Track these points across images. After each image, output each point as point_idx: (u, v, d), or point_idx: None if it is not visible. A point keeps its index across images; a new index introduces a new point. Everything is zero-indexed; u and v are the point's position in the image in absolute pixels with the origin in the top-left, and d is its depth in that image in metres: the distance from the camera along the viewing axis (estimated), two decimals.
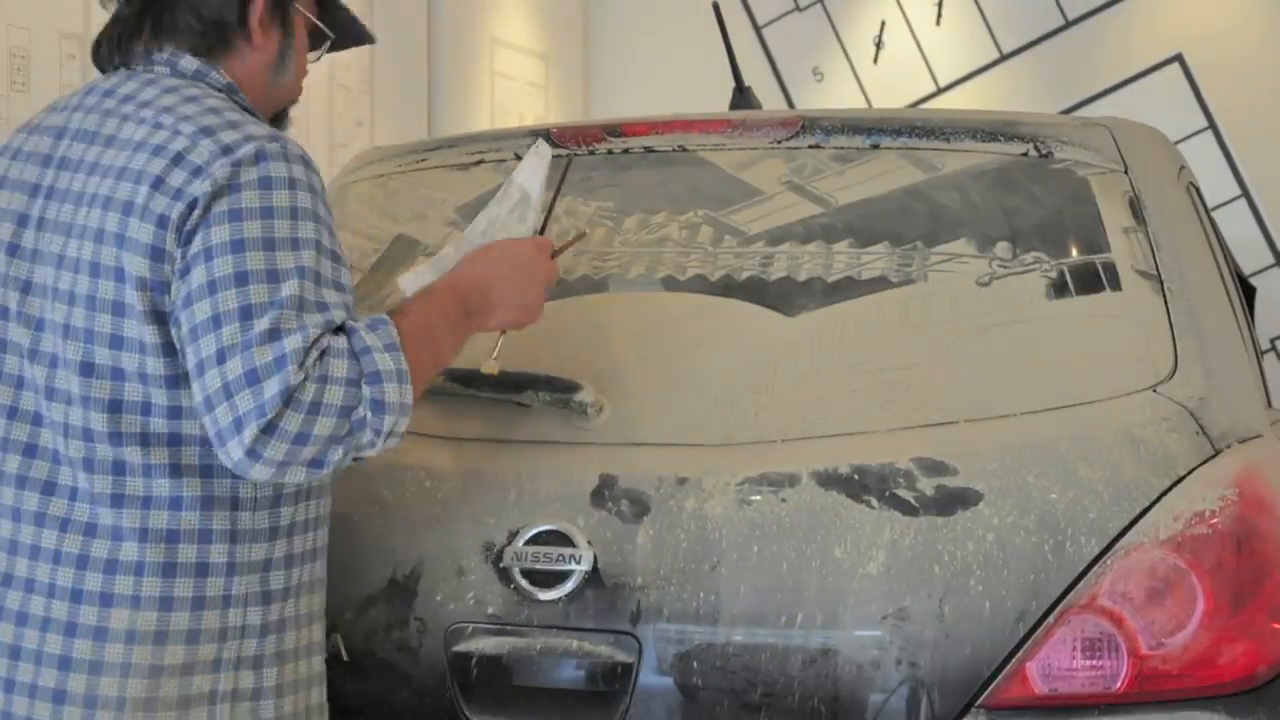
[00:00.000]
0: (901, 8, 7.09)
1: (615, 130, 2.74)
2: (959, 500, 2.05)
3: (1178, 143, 3.08)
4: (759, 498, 2.09)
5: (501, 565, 2.13)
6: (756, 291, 2.41)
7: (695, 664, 2.05)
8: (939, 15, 7.06)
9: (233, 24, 1.98)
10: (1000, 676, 1.98)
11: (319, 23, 2.10)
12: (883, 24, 7.13)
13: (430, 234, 2.69)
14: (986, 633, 1.98)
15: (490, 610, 2.13)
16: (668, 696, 2.05)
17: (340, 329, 1.81)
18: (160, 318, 1.80)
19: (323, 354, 1.76)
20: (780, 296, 2.39)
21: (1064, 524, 2.02)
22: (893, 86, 7.04)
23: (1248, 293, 3.46)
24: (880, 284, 2.38)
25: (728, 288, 2.43)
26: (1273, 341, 6.50)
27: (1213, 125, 6.61)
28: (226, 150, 1.81)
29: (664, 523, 2.10)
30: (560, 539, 2.12)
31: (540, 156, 2.21)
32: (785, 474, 2.11)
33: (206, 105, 1.88)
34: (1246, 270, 5.73)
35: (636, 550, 2.09)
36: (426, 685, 2.14)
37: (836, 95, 7.09)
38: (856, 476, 2.09)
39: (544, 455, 2.23)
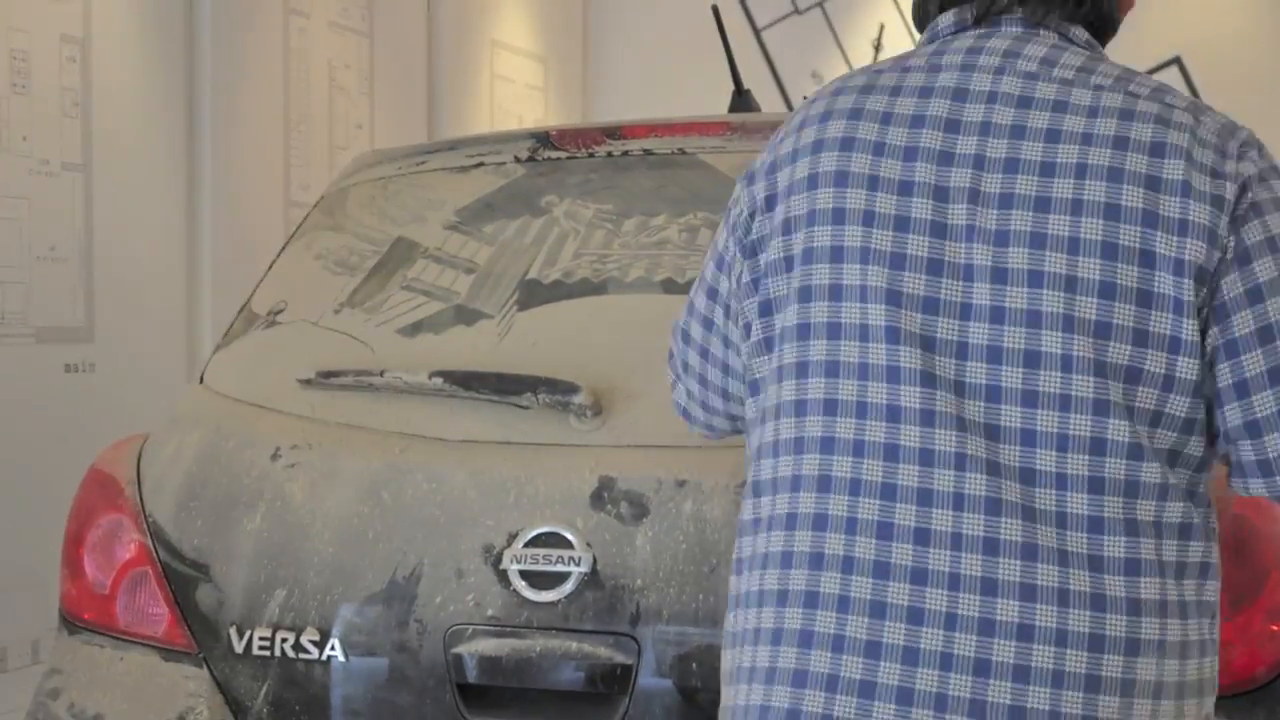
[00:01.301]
0: (900, 10, 7.10)
1: (614, 133, 2.74)
2: None
3: None
4: None
5: (501, 567, 2.13)
6: None
7: (694, 665, 2.05)
8: None
9: (1110, 19, 1.77)
10: None
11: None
12: (881, 27, 7.15)
13: (430, 237, 2.69)
14: None
15: (490, 612, 2.13)
16: (667, 698, 2.06)
17: None
18: (1196, 311, 1.50)
19: None
20: None
21: None
22: None
23: None
24: None
25: None
26: None
27: None
28: (1232, 132, 1.56)
29: (663, 524, 2.10)
30: (559, 541, 2.13)
31: None
32: None
33: (1153, 79, 1.64)
34: None
35: (635, 552, 2.10)
36: (426, 686, 2.14)
37: None
38: None
39: (543, 457, 2.23)
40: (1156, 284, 1.50)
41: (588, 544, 2.11)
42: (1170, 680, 1.48)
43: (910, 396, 1.52)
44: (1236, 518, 2.02)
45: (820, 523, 1.53)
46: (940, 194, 1.55)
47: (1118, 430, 1.48)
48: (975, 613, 1.47)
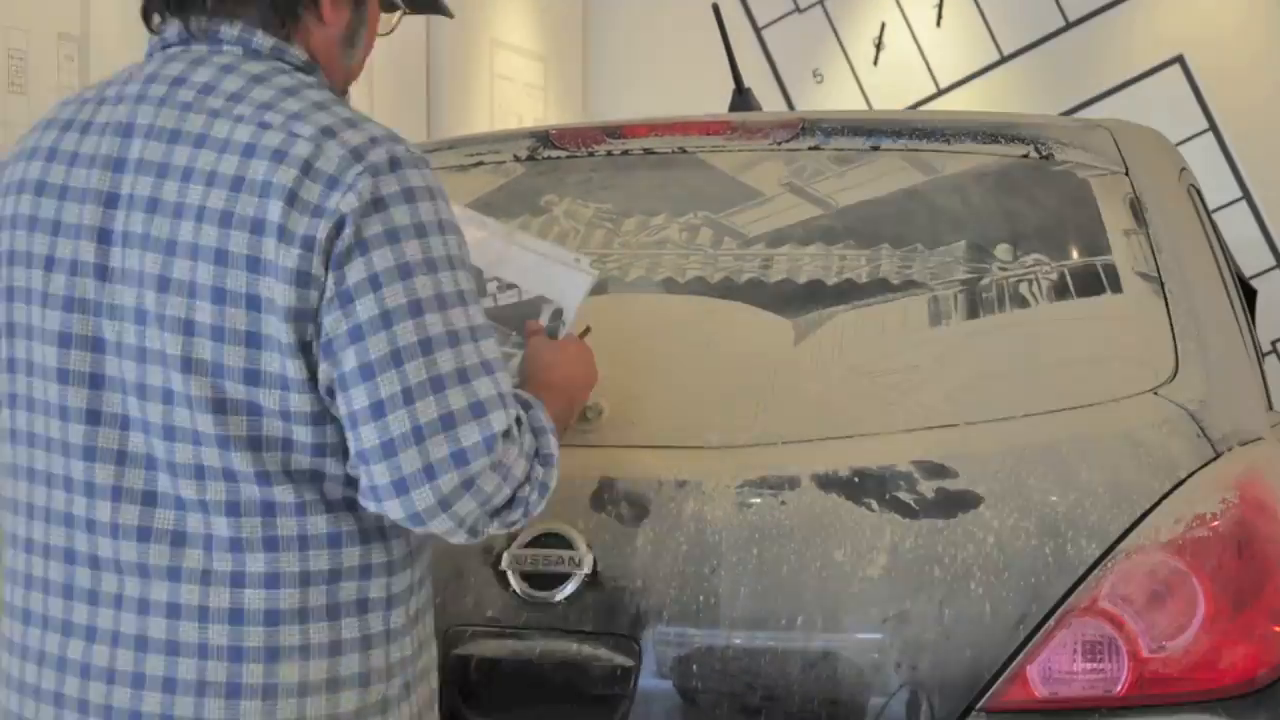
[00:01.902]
0: (902, 9, 7.09)
1: (615, 132, 2.73)
2: (959, 503, 2.05)
3: (1179, 144, 3.08)
4: (759, 500, 2.09)
5: (500, 568, 2.13)
6: (756, 293, 2.41)
7: (695, 667, 2.04)
8: (939, 17, 7.06)
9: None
10: (1000, 679, 1.97)
11: None
12: (883, 25, 7.13)
13: None
14: (987, 635, 1.98)
15: (489, 613, 2.12)
16: (668, 700, 2.05)
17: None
18: (305, 349, 1.61)
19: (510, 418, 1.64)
20: (780, 298, 2.39)
21: (1064, 527, 2.01)
22: (893, 88, 7.04)
23: (1248, 295, 3.46)
24: (880, 286, 2.38)
25: (727, 290, 2.42)
26: (1273, 344, 6.50)
27: (1214, 127, 6.61)
28: (357, 155, 1.62)
29: (664, 525, 2.10)
30: (560, 541, 2.12)
31: (588, 277, 2.16)
32: (785, 476, 2.11)
33: (309, 99, 1.67)
34: (1247, 272, 5.73)
35: (636, 553, 2.09)
36: None
37: (836, 97, 7.10)
38: (856, 479, 2.09)
39: None
40: (264, 327, 1.59)
41: (588, 545, 2.11)
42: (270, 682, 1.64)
43: (76, 433, 1.66)
44: (1239, 518, 2.01)
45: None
46: (104, 236, 1.65)
47: (243, 460, 1.62)
48: (109, 626, 1.67)
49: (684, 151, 2.69)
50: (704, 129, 2.71)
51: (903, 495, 2.06)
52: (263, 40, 1.72)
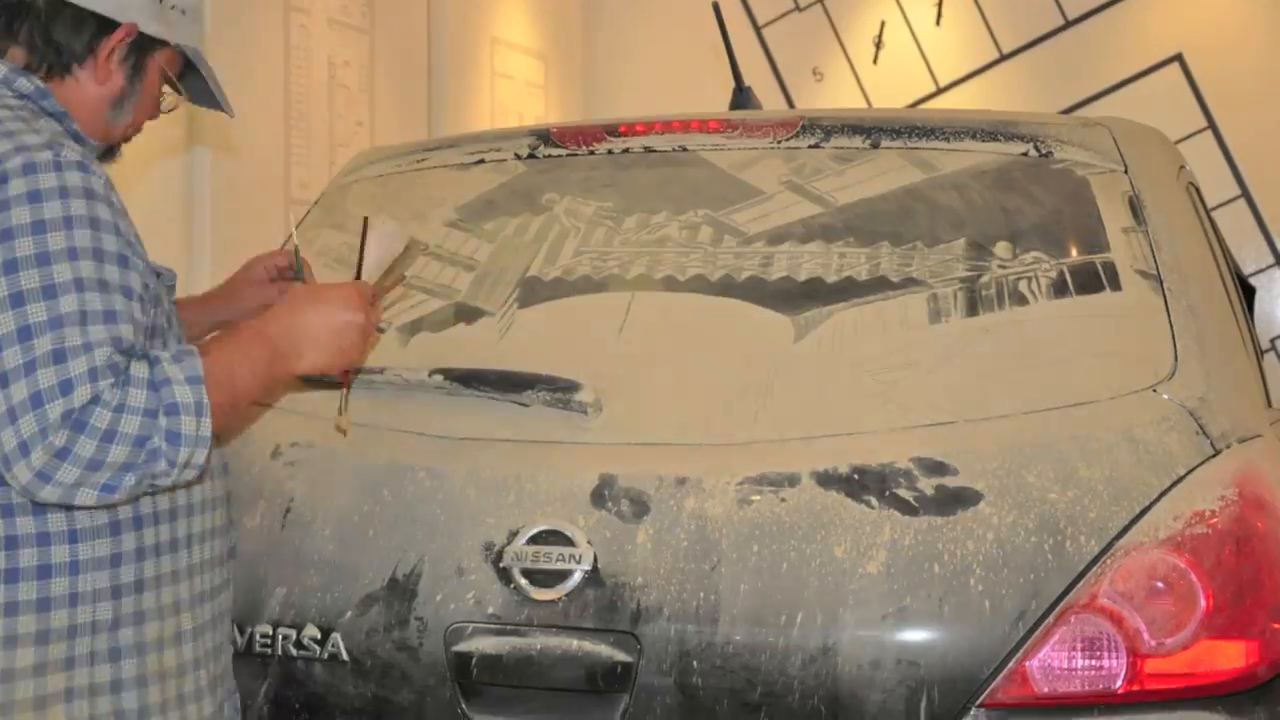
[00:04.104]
0: (901, 8, 7.09)
1: (615, 130, 2.74)
2: (959, 500, 2.05)
3: (1177, 142, 3.08)
4: (759, 497, 2.09)
5: (501, 565, 2.13)
6: (756, 291, 2.41)
7: (695, 663, 2.04)
8: (939, 15, 7.06)
9: (78, 50, 1.99)
10: (1000, 676, 1.98)
11: (174, 80, 2.11)
12: (882, 24, 7.14)
13: (430, 234, 2.69)
14: (986, 632, 1.98)
15: (490, 610, 2.13)
16: (668, 696, 2.05)
17: (144, 357, 1.81)
18: None
19: (123, 382, 1.76)
20: (780, 296, 2.39)
21: (1064, 524, 2.02)
22: (892, 86, 7.04)
23: (1247, 292, 3.46)
24: (880, 284, 2.38)
25: (727, 288, 2.43)
26: (1273, 341, 6.50)
27: (1212, 125, 6.61)
28: None
29: (664, 522, 2.10)
30: (560, 539, 2.12)
31: (390, 233, 2.22)
32: (785, 474, 2.11)
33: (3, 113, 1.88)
34: (1246, 270, 5.74)
35: (636, 550, 2.09)
36: (427, 685, 2.14)
37: (836, 95, 7.10)
38: (856, 476, 2.09)
39: (544, 455, 2.23)
40: None
41: (589, 542, 2.11)
42: None
43: None
44: (1238, 515, 2.02)
45: None
46: None
47: None
48: None
49: (684, 149, 2.70)
50: (704, 127, 2.72)
51: (902, 492, 2.06)
52: (23, 84, 1.95)
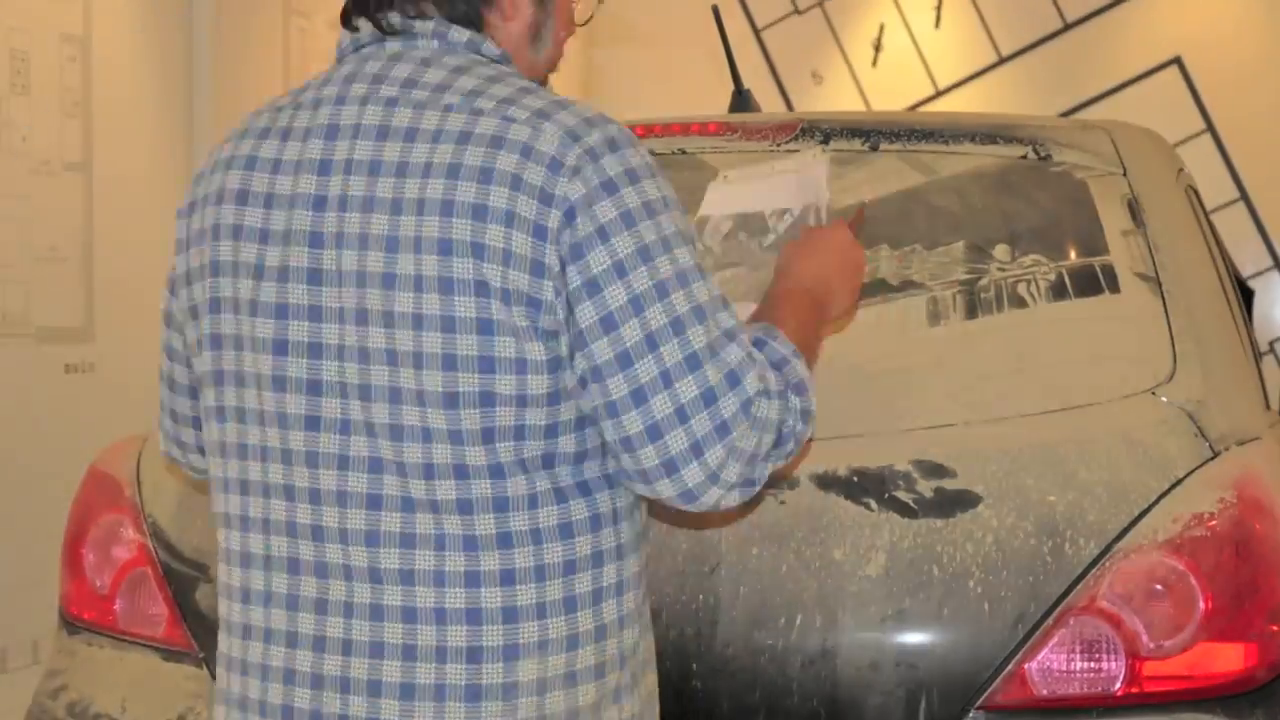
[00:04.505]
0: (900, 10, 7.10)
1: None
2: (958, 502, 2.05)
3: (1176, 145, 3.09)
4: (758, 500, 2.09)
5: None
6: (756, 294, 2.41)
7: (694, 666, 2.04)
8: (938, 18, 7.07)
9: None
10: (999, 678, 1.98)
11: None
12: (881, 27, 7.14)
13: None
14: (985, 634, 1.98)
15: None
16: (667, 699, 2.05)
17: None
18: (543, 334, 1.58)
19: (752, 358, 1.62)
20: None
21: (1063, 526, 2.02)
22: (891, 89, 7.05)
23: (1246, 295, 3.46)
24: (879, 286, 2.39)
25: (726, 290, 2.43)
26: (1271, 344, 6.51)
27: (1211, 128, 6.62)
28: (576, 137, 1.59)
29: (663, 525, 2.10)
30: None
31: (818, 162, 2.17)
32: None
33: (516, 85, 1.64)
34: (1245, 273, 5.74)
35: None
36: None
37: (835, 98, 7.10)
38: (855, 479, 2.09)
39: None
40: (494, 312, 1.56)
41: None
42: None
43: (296, 440, 1.63)
44: (1237, 518, 2.02)
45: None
46: (315, 240, 1.62)
47: (475, 455, 1.58)
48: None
49: (684, 153, 2.70)
50: (703, 130, 2.72)
51: (901, 495, 2.06)
52: (458, 34, 1.69)
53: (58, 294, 4.66)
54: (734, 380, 1.58)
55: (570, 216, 1.56)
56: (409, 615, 1.59)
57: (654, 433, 1.57)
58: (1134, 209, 2.47)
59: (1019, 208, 2.49)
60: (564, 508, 1.61)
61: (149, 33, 4.98)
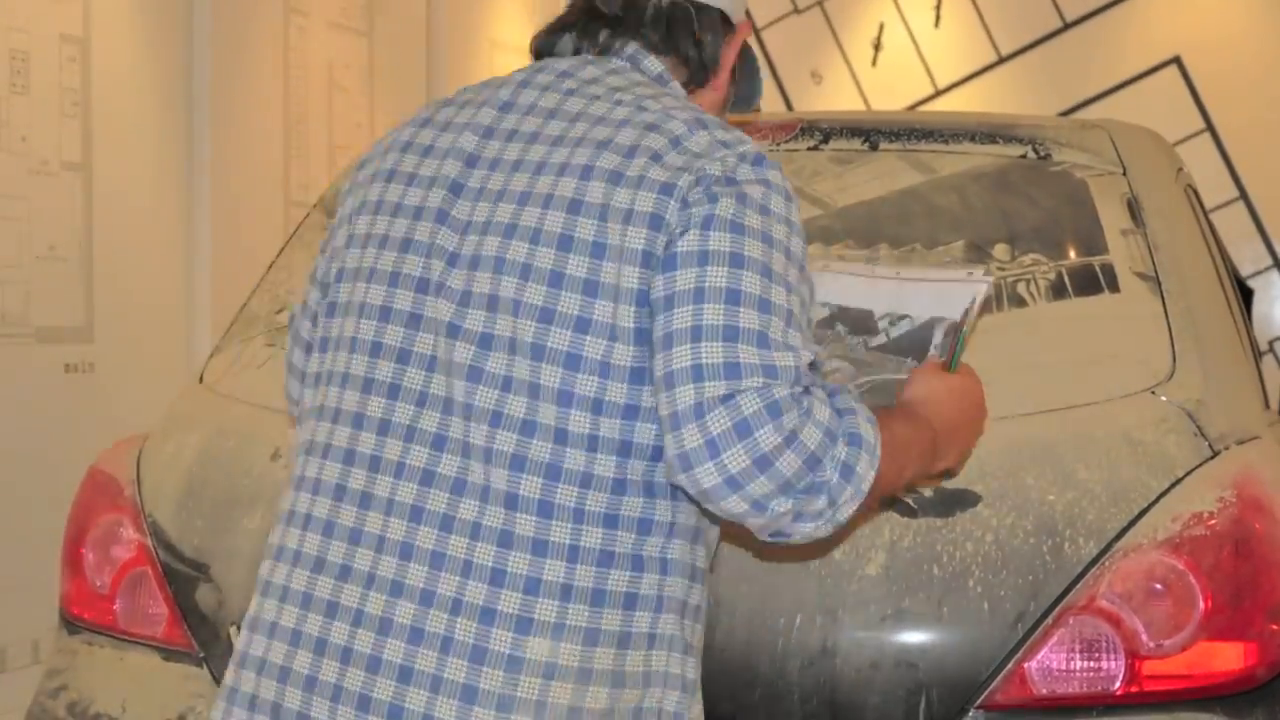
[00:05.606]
0: (900, 10, 7.10)
1: None
2: (958, 502, 2.05)
3: (1176, 145, 3.09)
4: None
5: None
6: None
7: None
8: (937, 17, 7.07)
9: (712, 65, 1.79)
10: (999, 677, 1.98)
11: (738, 71, 1.88)
12: (881, 26, 7.14)
13: None
14: (985, 634, 1.98)
15: None
16: None
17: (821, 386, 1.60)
18: (644, 299, 1.57)
19: (809, 393, 1.55)
20: None
21: (1062, 525, 2.02)
22: (891, 88, 7.05)
23: (1245, 294, 3.46)
24: None
25: None
26: (1271, 343, 6.51)
27: (1210, 127, 6.62)
28: (726, 144, 1.62)
29: None
30: None
31: (980, 285, 1.95)
32: None
33: (690, 105, 1.70)
34: (1244, 272, 5.75)
35: None
36: None
37: (835, 97, 7.10)
38: None
39: None
40: (603, 274, 1.58)
41: None
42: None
43: (405, 413, 1.63)
44: (1236, 517, 2.02)
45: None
46: (456, 188, 1.68)
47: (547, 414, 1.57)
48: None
49: None
50: None
51: (901, 494, 2.06)
52: (652, 64, 1.76)
53: (57, 294, 4.66)
54: (771, 374, 1.53)
55: (698, 183, 1.59)
56: (436, 560, 1.57)
57: (675, 421, 1.53)
58: (1133, 208, 2.47)
59: (1018, 207, 2.49)
60: (616, 498, 1.58)
61: (149, 33, 4.98)
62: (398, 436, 1.63)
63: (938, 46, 7.05)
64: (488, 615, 1.55)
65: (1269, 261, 6.61)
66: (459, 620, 1.55)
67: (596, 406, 1.56)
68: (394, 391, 1.64)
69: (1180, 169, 2.78)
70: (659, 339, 1.55)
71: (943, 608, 2.00)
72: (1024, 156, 2.56)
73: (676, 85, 1.76)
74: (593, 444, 1.56)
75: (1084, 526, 2.02)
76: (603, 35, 1.76)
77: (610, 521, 1.58)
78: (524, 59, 1.85)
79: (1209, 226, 2.85)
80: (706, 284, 1.54)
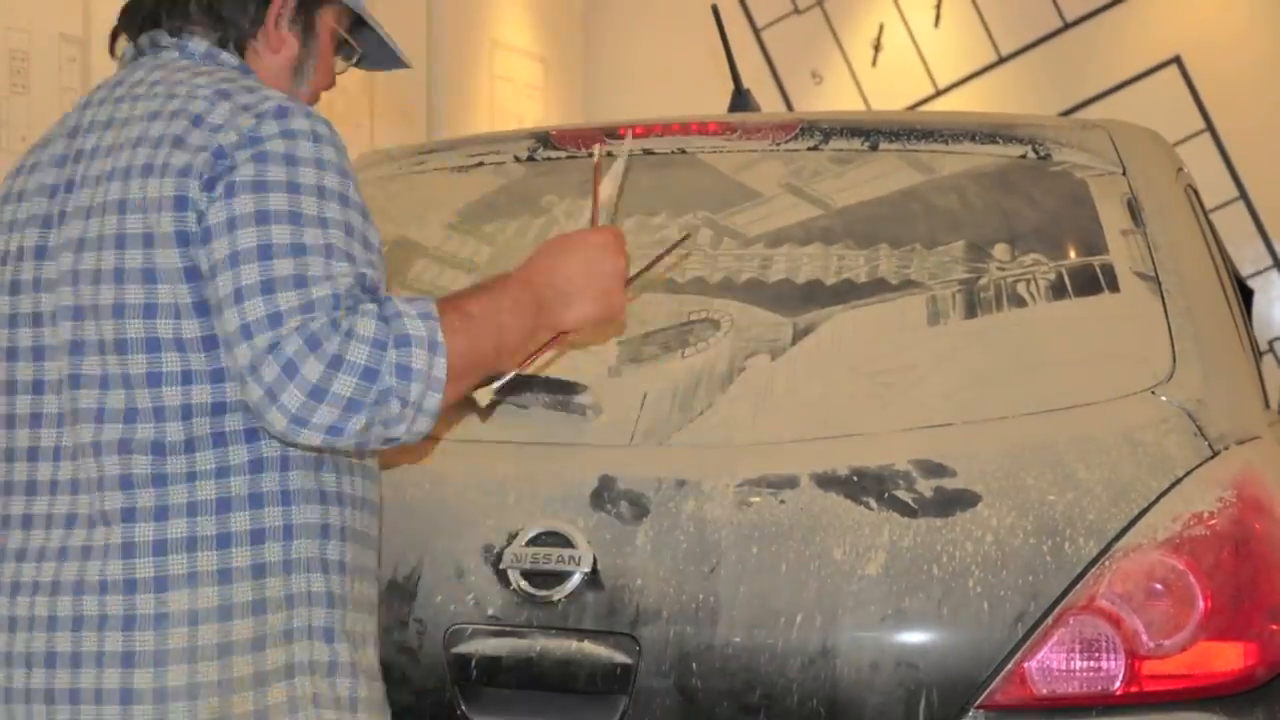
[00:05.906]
0: (900, 10, 7.10)
1: (614, 133, 2.74)
2: (958, 502, 2.05)
3: (1176, 145, 3.09)
4: (758, 499, 2.10)
5: (501, 566, 2.13)
6: (756, 293, 2.41)
7: (694, 665, 2.05)
8: (937, 17, 7.07)
9: (247, 25, 1.94)
10: (999, 677, 1.98)
11: (347, 36, 2.06)
12: (881, 26, 7.15)
13: (430, 236, 2.69)
14: (985, 634, 1.99)
15: (490, 611, 2.13)
16: (667, 698, 2.06)
17: (375, 297, 1.75)
18: (194, 274, 1.75)
19: (352, 312, 1.69)
20: (779, 298, 2.40)
21: (1062, 525, 2.02)
22: (891, 89, 7.05)
23: (1245, 294, 3.46)
24: (879, 286, 2.39)
25: (726, 289, 2.43)
26: (1271, 343, 6.51)
27: (1210, 127, 6.62)
28: (246, 108, 1.77)
29: (663, 524, 2.10)
30: (560, 540, 2.13)
31: (621, 157, 2.19)
32: (784, 476, 2.11)
33: (220, 76, 1.85)
34: (1244, 272, 5.74)
35: (636, 552, 2.10)
36: (426, 686, 2.14)
37: (835, 97, 7.11)
38: (855, 478, 2.10)
39: (543, 457, 2.23)
40: (158, 260, 1.76)
41: (588, 543, 2.11)
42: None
43: (23, 405, 1.84)
44: (1236, 517, 2.02)
45: None
46: (47, 221, 1.85)
47: (144, 398, 1.77)
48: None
49: (683, 152, 2.70)
50: (703, 129, 2.72)
51: (901, 494, 2.07)
52: (197, 44, 1.92)
53: None
54: (307, 309, 1.67)
55: (217, 158, 1.75)
56: (84, 553, 1.77)
57: (233, 340, 1.70)
58: (1133, 208, 2.47)
59: (1018, 207, 2.49)
60: (221, 451, 1.76)
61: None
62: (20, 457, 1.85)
63: (938, 47, 7.05)
64: (129, 585, 1.73)
65: (1269, 261, 6.61)
66: (107, 598, 1.74)
67: (186, 378, 1.75)
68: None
69: (1180, 169, 2.78)
70: (214, 307, 1.72)
71: (943, 608, 2.00)
72: (1024, 156, 2.56)
73: (228, 57, 1.92)
74: (187, 412, 1.75)
75: (1084, 526, 2.02)
76: (152, 32, 1.94)
77: (222, 473, 1.76)
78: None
79: (1209, 226, 2.85)
80: (239, 247, 1.70)
